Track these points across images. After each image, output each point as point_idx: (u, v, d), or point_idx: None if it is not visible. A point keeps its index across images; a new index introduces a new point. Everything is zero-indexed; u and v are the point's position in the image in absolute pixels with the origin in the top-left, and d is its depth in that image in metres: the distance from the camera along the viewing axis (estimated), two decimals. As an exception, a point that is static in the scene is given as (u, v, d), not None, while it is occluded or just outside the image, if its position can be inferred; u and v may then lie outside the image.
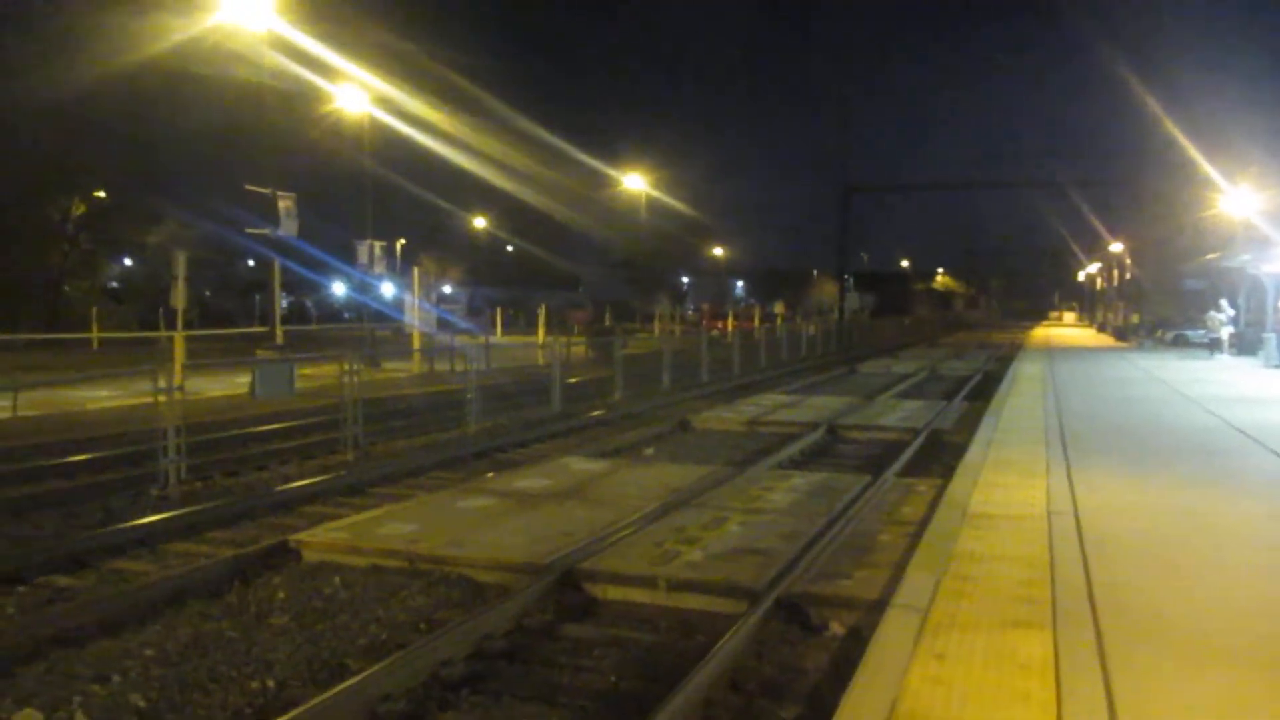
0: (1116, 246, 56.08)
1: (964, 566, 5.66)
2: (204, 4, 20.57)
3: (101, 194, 41.75)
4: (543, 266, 79.47)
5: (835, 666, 5.07)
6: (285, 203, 21.39)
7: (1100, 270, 70.81)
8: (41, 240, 39.07)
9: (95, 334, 34.09)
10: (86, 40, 31.87)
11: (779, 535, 7.20)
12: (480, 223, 72.55)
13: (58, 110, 35.70)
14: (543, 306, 34.59)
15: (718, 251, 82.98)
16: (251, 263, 67.14)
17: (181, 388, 9.86)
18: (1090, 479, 8.34)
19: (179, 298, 15.67)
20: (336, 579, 6.53)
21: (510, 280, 78.29)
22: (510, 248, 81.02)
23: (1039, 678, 4.00)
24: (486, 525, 7.51)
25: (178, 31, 23.32)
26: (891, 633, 4.55)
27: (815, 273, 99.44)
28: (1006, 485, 8.10)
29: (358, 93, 26.33)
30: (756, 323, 48.56)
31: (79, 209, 40.83)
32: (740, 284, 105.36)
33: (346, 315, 62.96)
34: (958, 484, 8.15)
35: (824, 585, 6.03)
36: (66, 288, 40.36)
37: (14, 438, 12.31)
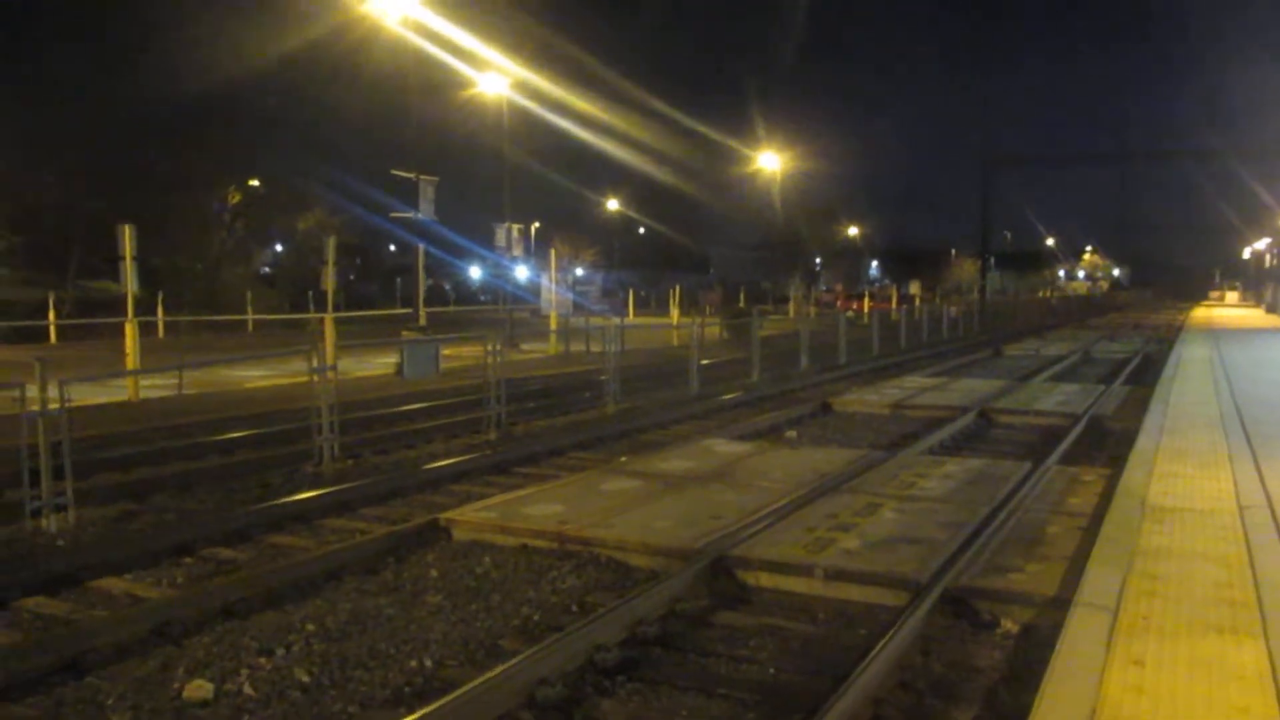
0: (1288, 220, 52.23)
1: (1150, 564, 5.24)
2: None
3: (255, 182, 43.76)
4: (673, 248, 79.46)
5: (1011, 667, 4.74)
6: (428, 186, 21.88)
7: (1269, 246, 66.14)
8: (201, 228, 41.25)
9: (250, 316, 35.87)
10: (240, 34, 33.36)
11: (938, 524, 6.85)
12: (613, 204, 72.90)
13: (214, 103, 37.59)
14: (676, 287, 34.50)
15: (852, 231, 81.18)
16: (393, 247, 69.43)
17: (334, 367, 10.11)
18: (1282, 471, 7.67)
19: (329, 281, 16.18)
20: (487, 558, 6.53)
21: (641, 262, 78.58)
22: (641, 230, 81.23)
23: (1257, 691, 3.61)
24: (633, 507, 7.41)
25: (326, 22, 24.10)
26: (1080, 634, 4.21)
27: (954, 252, 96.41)
28: (1186, 476, 7.53)
29: (497, 78, 26.67)
30: (893, 303, 47.31)
31: (235, 198, 42.94)
32: (875, 264, 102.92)
33: (482, 298, 64.38)
34: (1131, 473, 7.62)
35: (992, 579, 5.67)
36: (228, 274, 42.47)
37: (179, 415, 12.93)
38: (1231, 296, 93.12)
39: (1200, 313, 57.20)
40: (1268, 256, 67.68)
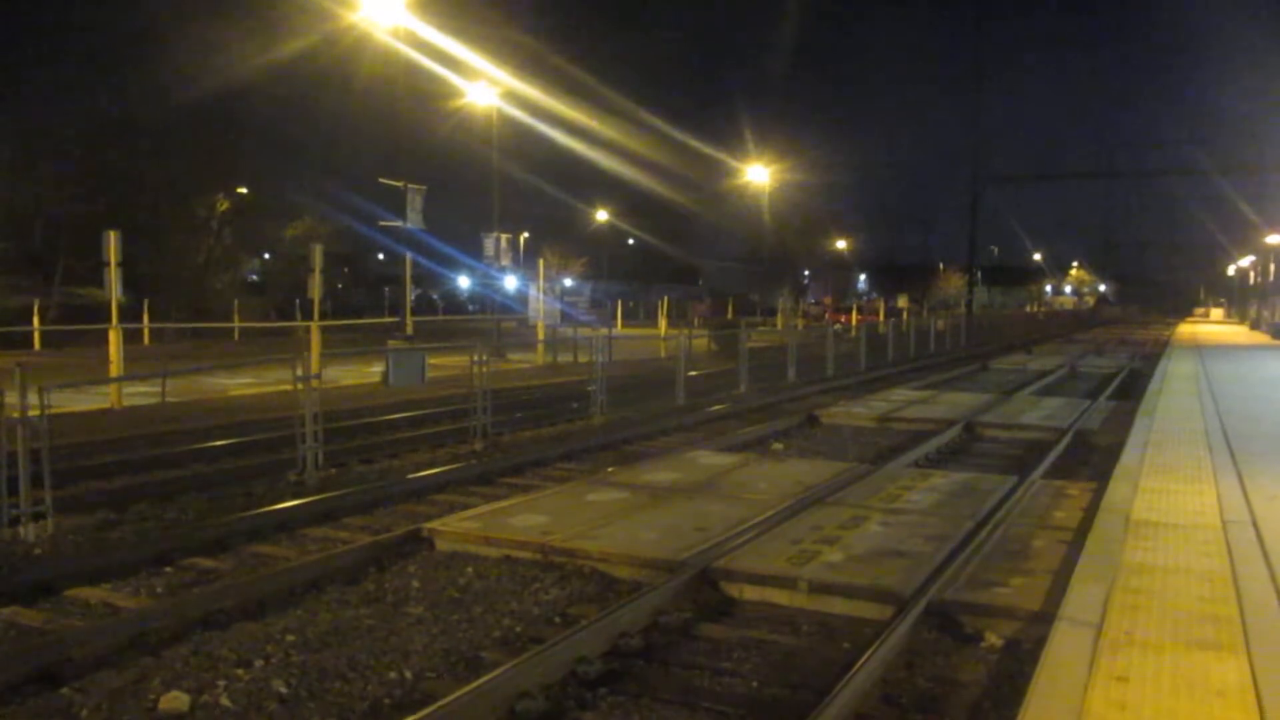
0: (1275, 238, 52.58)
1: (1134, 579, 5.23)
2: (342, 2, 21.14)
3: (243, 190, 43.64)
4: (662, 259, 79.58)
5: (995, 682, 4.73)
6: (416, 195, 21.84)
7: (1254, 263, 66.62)
8: (189, 235, 41.08)
9: (236, 324, 35.72)
10: (230, 43, 33.35)
11: (923, 537, 6.84)
12: (602, 215, 73.00)
13: (204, 111, 37.50)
14: (664, 299, 34.53)
15: (840, 244, 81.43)
16: (381, 256, 69.32)
17: (319, 376, 10.05)
18: (1265, 487, 7.69)
19: (315, 289, 16.11)
20: (470, 569, 6.49)
21: (630, 273, 78.67)
22: (630, 240, 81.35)
23: (1239, 707, 3.60)
24: (618, 519, 7.38)
25: (317, 31, 24.09)
26: (1063, 649, 4.19)
27: (941, 266, 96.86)
28: (1171, 491, 7.53)
29: (486, 87, 26.68)
30: (881, 316, 47.40)
31: (223, 205, 42.80)
32: (863, 277, 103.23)
33: (471, 307, 64.29)
34: (1116, 488, 7.62)
35: (977, 592, 5.66)
36: (215, 281, 42.29)
37: (162, 423, 12.85)
38: (1217, 313, 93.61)
39: (1186, 328, 57.53)
40: (1252, 274, 68.19)
